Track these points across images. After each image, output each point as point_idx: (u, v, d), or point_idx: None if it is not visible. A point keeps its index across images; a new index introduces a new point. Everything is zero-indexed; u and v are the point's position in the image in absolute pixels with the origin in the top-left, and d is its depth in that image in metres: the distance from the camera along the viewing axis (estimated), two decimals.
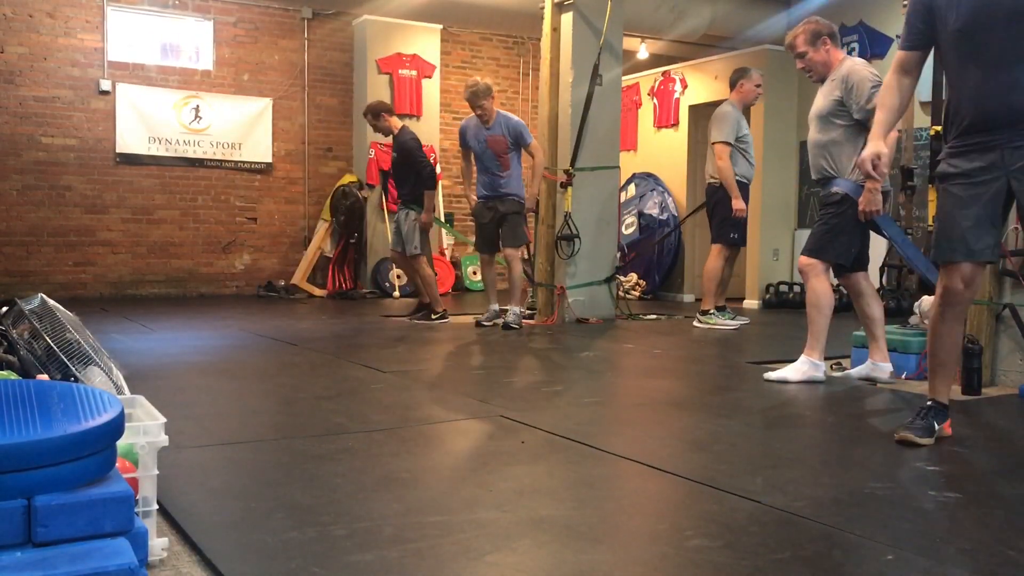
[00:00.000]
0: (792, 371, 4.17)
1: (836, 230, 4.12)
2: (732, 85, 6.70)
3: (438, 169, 10.11)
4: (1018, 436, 3.17)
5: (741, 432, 3.16)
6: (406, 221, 6.84)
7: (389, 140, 7.21)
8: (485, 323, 6.45)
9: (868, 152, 3.12)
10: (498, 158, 6.40)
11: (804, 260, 4.22)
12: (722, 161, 6.48)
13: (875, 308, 4.26)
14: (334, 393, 3.78)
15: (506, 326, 6.31)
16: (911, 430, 2.94)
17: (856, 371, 4.30)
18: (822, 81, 4.32)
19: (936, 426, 2.96)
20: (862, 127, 4.05)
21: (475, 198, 6.59)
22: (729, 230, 6.65)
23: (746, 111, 6.83)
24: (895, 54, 3.17)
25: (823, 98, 4.22)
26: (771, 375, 4.21)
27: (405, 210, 6.89)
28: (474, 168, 6.65)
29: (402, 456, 2.72)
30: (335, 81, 10.09)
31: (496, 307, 6.55)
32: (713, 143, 6.55)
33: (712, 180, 6.74)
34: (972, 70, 2.85)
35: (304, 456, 2.68)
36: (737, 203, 6.45)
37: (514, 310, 6.41)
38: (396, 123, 6.96)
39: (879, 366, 4.22)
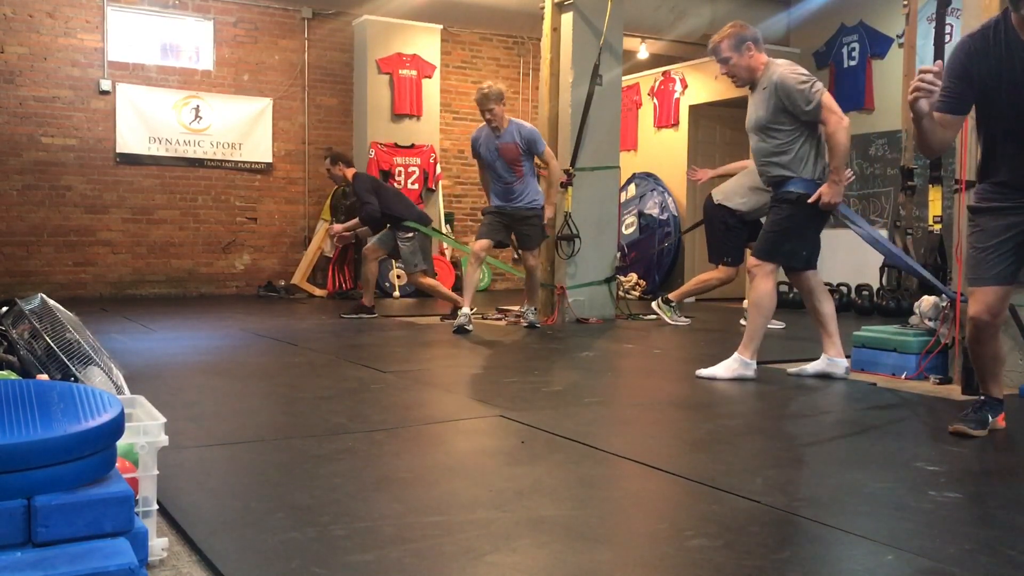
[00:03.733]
0: (723, 369, 4.19)
1: (787, 233, 4.12)
2: None
3: (438, 169, 10.13)
4: (1018, 436, 3.17)
5: (741, 432, 3.16)
6: (403, 243, 6.95)
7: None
8: (468, 327, 6.02)
9: None
10: (511, 166, 6.23)
11: (752, 261, 4.22)
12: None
13: (826, 304, 4.29)
14: (334, 393, 3.77)
15: (531, 325, 6.41)
16: (965, 422, 3.04)
17: (811, 367, 4.31)
18: (747, 86, 4.30)
19: (990, 419, 3.07)
20: (808, 125, 4.05)
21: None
22: (724, 255, 6.68)
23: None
24: (932, 112, 3.00)
25: (761, 107, 4.16)
26: (703, 372, 4.24)
27: (400, 233, 6.96)
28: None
29: (402, 456, 2.72)
30: (335, 81, 10.10)
31: (467, 310, 6.13)
32: None
33: (715, 199, 6.67)
34: (1012, 142, 2.94)
35: (304, 456, 2.68)
36: None
37: (532, 309, 6.53)
38: (349, 172, 7.17)
39: (835, 361, 4.25)
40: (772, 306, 4.22)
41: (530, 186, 6.32)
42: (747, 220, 6.50)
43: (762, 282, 4.17)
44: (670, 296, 6.98)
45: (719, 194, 6.70)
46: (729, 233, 6.59)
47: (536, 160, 6.42)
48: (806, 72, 4.13)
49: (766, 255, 4.18)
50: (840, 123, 3.97)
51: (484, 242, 6.30)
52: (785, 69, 4.11)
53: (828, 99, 4.02)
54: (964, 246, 3.90)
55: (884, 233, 7.73)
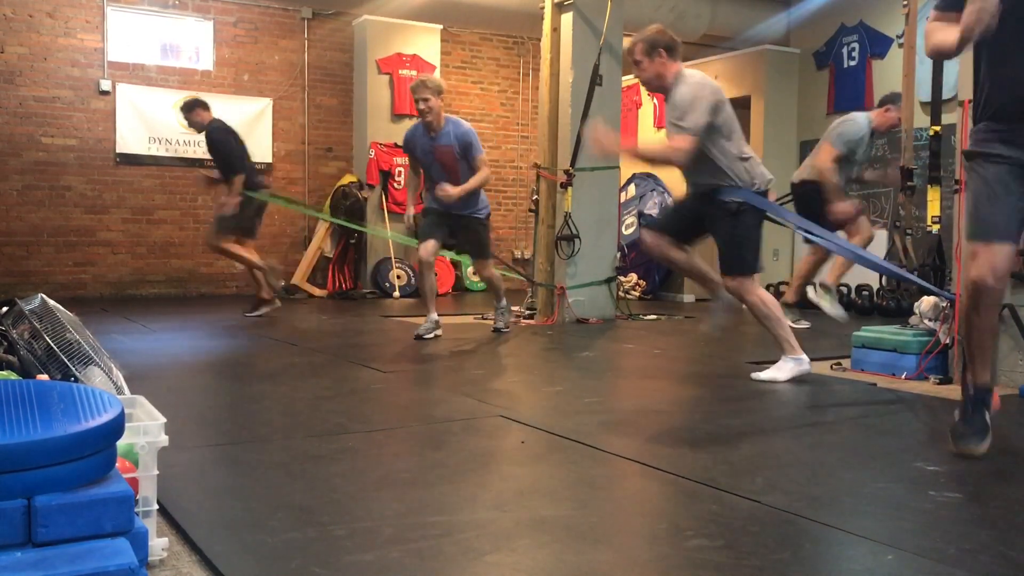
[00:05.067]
0: (780, 371, 4.15)
1: (743, 242, 4.09)
2: (879, 103, 6.33)
3: None
4: (1018, 436, 3.17)
5: (741, 432, 3.16)
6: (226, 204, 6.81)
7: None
8: (425, 336, 5.64)
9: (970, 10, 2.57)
10: (446, 170, 5.61)
11: (729, 282, 4.17)
12: (823, 163, 6.15)
13: (770, 307, 4.21)
14: (334, 393, 3.77)
15: (497, 330, 6.03)
16: (965, 440, 2.71)
17: (777, 372, 4.23)
18: (658, 92, 4.30)
19: (987, 414, 2.77)
20: (715, 132, 4.00)
21: (412, 213, 5.93)
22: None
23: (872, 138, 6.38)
24: (930, 14, 2.78)
25: (671, 117, 4.14)
26: (760, 375, 4.19)
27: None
28: (421, 179, 6.08)
29: (402, 456, 2.72)
30: (335, 81, 10.10)
31: (435, 317, 5.73)
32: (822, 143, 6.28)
33: (798, 179, 6.47)
34: (1015, 56, 2.59)
35: (304, 456, 2.68)
36: (840, 206, 6.15)
37: (502, 310, 6.08)
38: (207, 117, 6.94)
39: (797, 360, 4.20)
40: (776, 303, 4.22)
41: (471, 192, 5.65)
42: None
43: (753, 296, 4.15)
44: (828, 281, 6.34)
45: (802, 173, 6.49)
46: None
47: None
48: (709, 91, 4.03)
49: (738, 270, 4.13)
50: (672, 146, 3.97)
51: (430, 244, 5.62)
52: (687, 83, 4.06)
53: (693, 127, 3.92)
54: (963, 206, 3.54)
55: (883, 233, 7.74)
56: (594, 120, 4.07)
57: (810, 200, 6.26)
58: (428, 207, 5.83)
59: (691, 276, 4.54)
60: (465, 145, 5.59)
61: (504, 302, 6.14)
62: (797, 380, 4.21)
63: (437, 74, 10.06)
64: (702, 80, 4.12)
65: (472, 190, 5.62)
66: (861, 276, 8.05)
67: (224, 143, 6.92)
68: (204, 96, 9.26)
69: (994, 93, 2.65)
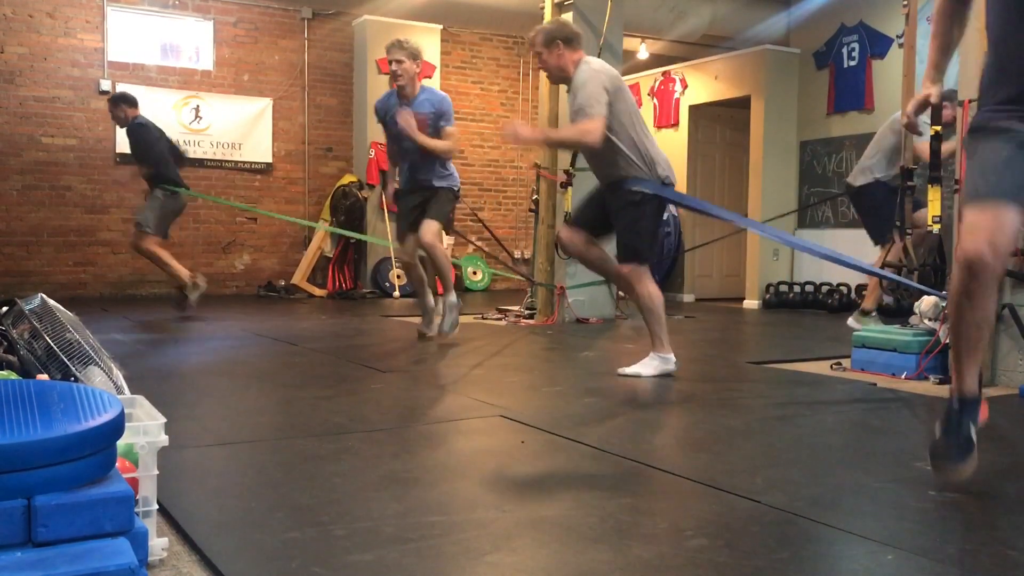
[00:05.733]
0: (644, 367, 4.21)
1: (644, 231, 4.17)
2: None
3: None
4: (1018, 436, 3.17)
5: (741, 432, 3.16)
6: (149, 200, 6.73)
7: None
8: (428, 333, 5.53)
9: (915, 100, 2.45)
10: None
11: (626, 268, 4.21)
12: (923, 146, 5.89)
13: (655, 302, 4.24)
14: (334, 393, 3.77)
15: (439, 332, 5.47)
16: (946, 460, 2.31)
17: (642, 368, 4.27)
18: (560, 83, 4.41)
19: (972, 430, 2.32)
20: (623, 123, 4.07)
21: (391, 191, 5.69)
22: (888, 229, 6.19)
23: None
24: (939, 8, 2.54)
25: (573, 102, 4.19)
26: (625, 370, 4.24)
27: (153, 191, 6.78)
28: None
29: (402, 456, 2.72)
30: (335, 81, 10.10)
31: (431, 303, 5.56)
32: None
33: (857, 183, 6.45)
34: None
35: (304, 456, 2.68)
36: None
37: (451, 301, 5.39)
38: (132, 113, 6.84)
39: (665, 358, 4.24)
40: (660, 300, 4.25)
41: (439, 164, 5.31)
42: (893, 186, 6.23)
43: (641, 285, 4.19)
44: (864, 307, 6.46)
45: (859, 178, 6.45)
46: (889, 201, 6.17)
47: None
48: (606, 75, 4.09)
49: (635, 257, 4.18)
50: (582, 128, 4.00)
51: (408, 245, 5.43)
52: (585, 68, 4.12)
53: (599, 107, 3.99)
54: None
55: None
56: (512, 118, 4.34)
57: (882, 201, 6.22)
58: (401, 189, 5.51)
59: (600, 273, 4.59)
60: (440, 114, 5.23)
61: (453, 297, 5.41)
62: (796, 380, 4.21)
63: (437, 74, 10.07)
64: (600, 66, 4.20)
65: (433, 149, 5.19)
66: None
67: (140, 139, 6.83)
68: (204, 96, 9.32)
69: (1006, 67, 2.30)
